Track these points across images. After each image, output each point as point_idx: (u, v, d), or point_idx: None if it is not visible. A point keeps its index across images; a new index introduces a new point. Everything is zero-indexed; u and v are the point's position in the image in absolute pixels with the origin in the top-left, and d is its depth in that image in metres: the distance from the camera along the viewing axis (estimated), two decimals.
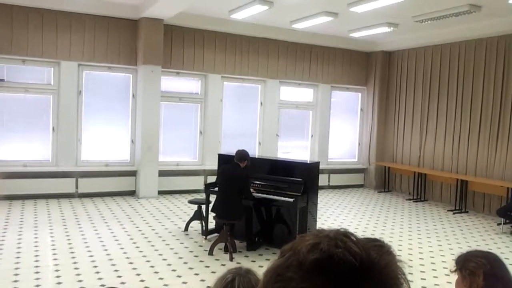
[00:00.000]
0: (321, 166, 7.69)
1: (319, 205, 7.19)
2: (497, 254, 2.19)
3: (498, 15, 8.29)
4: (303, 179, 6.17)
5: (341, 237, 0.63)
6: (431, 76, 10.53)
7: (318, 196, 6.81)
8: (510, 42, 8.88)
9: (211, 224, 6.60)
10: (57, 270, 5.02)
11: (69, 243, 6.01)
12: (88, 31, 8.77)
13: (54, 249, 5.75)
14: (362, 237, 0.76)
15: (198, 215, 6.83)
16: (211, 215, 6.24)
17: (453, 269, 2.14)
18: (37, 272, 4.92)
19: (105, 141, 9.30)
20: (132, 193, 9.28)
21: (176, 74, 9.79)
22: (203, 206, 6.66)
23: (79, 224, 6.95)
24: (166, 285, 4.79)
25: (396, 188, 11.49)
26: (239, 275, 1.71)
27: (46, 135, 8.80)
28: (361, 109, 12.24)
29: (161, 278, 4.96)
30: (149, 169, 9.12)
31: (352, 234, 0.65)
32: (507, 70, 8.94)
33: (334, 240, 0.62)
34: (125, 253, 5.75)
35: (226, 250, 5.89)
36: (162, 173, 9.39)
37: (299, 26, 9.61)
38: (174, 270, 5.23)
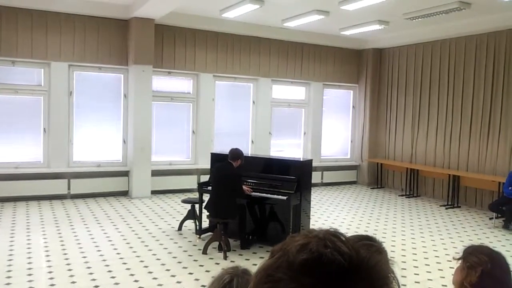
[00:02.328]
0: (314, 164, 7.70)
1: (312, 203, 7.21)
2: (504, 256, 2.11)
3: (488, 12, 8.35)
4: (296, 176, 6.18)
5: (330, 237, 0.63)
6: (422, 73, 10.59)
7: (311, 193, 6.84)
8: (499, 39, 8.95)
9: (205, 223, 6.60)
10: (50, 272, 5.00)
11: (62, 245, 5.98)
12: (78, 31, 8.71)
13: (47, 251, 5.71)
14: (354, 234, 0.76)
15: (191, 214, 6.84)
16: (205, 214, 6.24)
17: (457, 256, 2.13)
18: (30, 274, 4.89)
19: (97, 141, 9.25)
20: (125, 193, 9.24)
21: (167, 73, 9.76)
22: (197, 205, 6.66)
23: (71, 225, 6.91)
24: (160, 285, 4.78)
25: (388, 185, 11.55)
26: (237, 275, 1.70)
27: (37, 137, 8.73)
28: (353, 107, 12.28)
29: (155, 278, 4.95)
30: (142, 169, 9.09)
31: (342, 234, 0.65)
32: (497, 67, 9.01)
33: (323, 240, 0.62)
34: (118, 253, 5.74)
35: (220, 248, 5.90)
36: (155, 173, 9.36)
37: (290, 24, 9.62)
38: (168, 270, 5.22)
